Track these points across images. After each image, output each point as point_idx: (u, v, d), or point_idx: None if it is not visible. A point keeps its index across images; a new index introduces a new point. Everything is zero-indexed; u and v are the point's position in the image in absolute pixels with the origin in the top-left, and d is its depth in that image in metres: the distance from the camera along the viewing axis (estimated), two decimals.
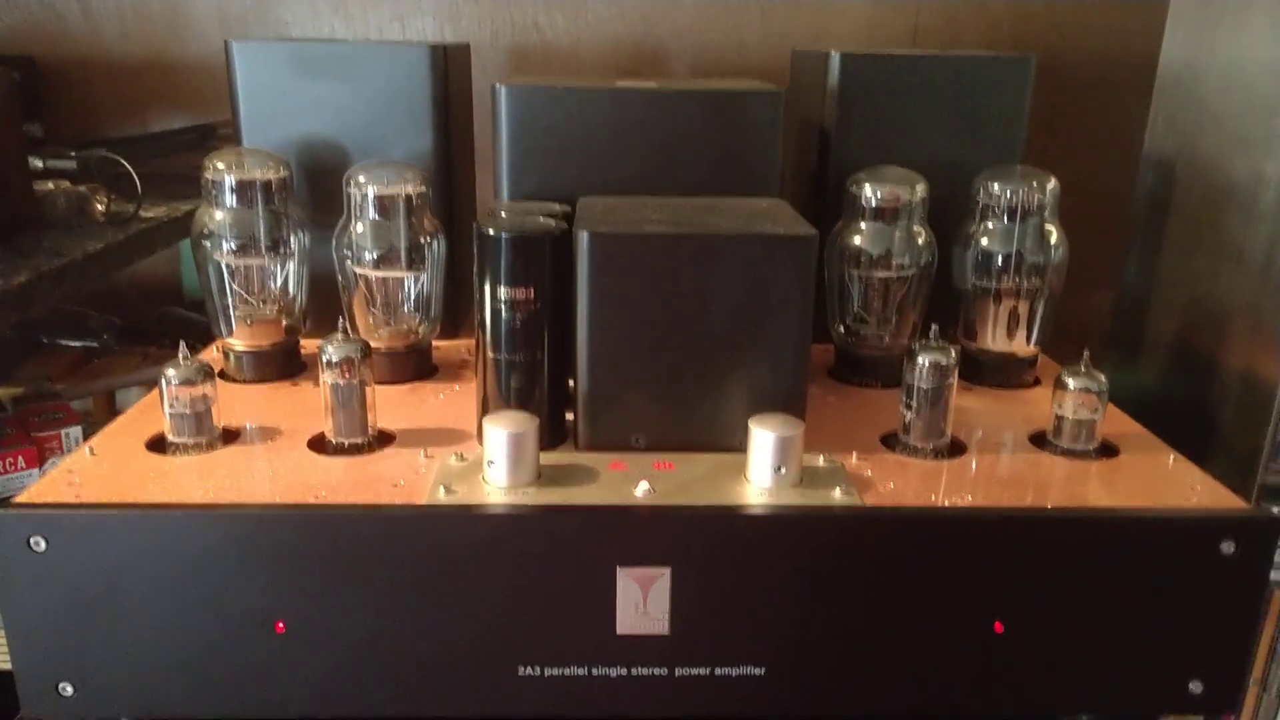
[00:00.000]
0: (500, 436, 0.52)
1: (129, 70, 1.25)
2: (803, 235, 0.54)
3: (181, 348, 0.57)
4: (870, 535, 0.50)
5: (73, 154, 1.16)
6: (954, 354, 0.57)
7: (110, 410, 1.02)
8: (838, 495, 0.52)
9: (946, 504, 0.52)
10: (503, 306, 0.54)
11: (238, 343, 0.67)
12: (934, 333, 0.58)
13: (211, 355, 0.72)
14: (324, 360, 0.56)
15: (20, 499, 0.51)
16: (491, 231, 0.54)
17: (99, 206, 1.00)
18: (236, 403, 0.64)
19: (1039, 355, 0.71)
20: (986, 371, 0.69)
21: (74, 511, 0.49)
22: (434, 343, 0.71)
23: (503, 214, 0.59)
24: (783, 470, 0.52)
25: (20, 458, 0.80)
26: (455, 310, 0.77)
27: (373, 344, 0.67)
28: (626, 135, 0.65)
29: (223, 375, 0.69)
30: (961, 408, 0.61)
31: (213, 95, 1.24)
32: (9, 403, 0.88)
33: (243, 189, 0.64)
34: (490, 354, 0.56)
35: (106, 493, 0.51)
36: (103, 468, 0.54)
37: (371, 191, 0.64)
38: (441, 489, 0.51)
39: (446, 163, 0.73)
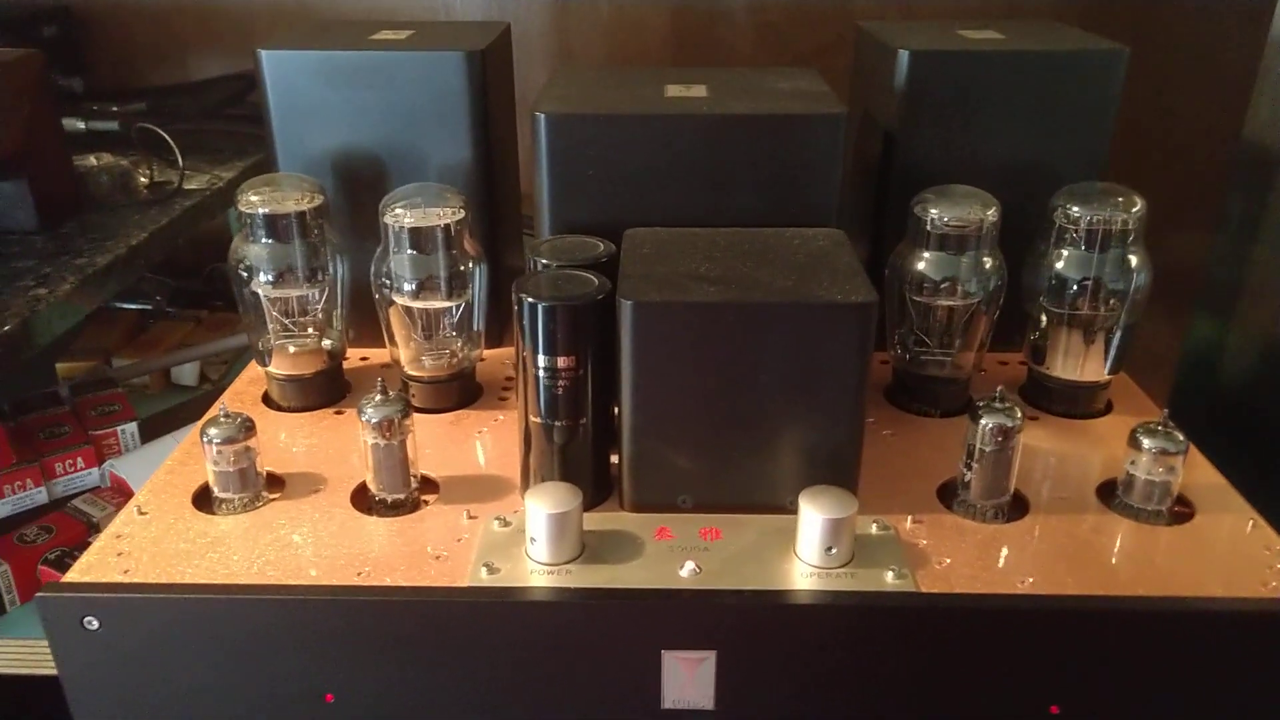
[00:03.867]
0: (542, 515, 0.50)
1: (167, 15, 1.21)
2: (860, 303, 0.50)
3: (221, 406, 0.57)
4: (921, 624, 0.49)
5: (115, 109, 1.15)
6: (1019, 416, 0.54)
7: (165, 383, 1.04)
8: (890, 580, 0.50)
9: (1003, 590, 0.50)
10: (543, 374, 0.52)
11: (279, 370, 0.66)
12: (1000, 392, 0.55)
13: (254, 373, 0.71)
14: (363, 419, 0.55)
15: (73, 574, 0.51)
16: (531, 300, 0.51)
17: (142, 180, 0.99)
18: (281, 435, 0.64)
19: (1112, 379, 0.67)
20: (1055, 399, 0.66)
21: (124, 594, 0.50)
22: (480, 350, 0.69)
23: (542, 263, 0.57)
24: (833, 551, 0.50)
25: (80, 459, 0.81)
26: (499, 319, 0.75)
27: (415, 372, 0.66)
28: (674, 162, 0.60)
29: (266, 400, 0.68)
30: (1026, 445, 0.58)
31: (253, 38, 1.20)
32: (66, 390, 0.89)
33: (277, 222, 0.62)
34: (532, 418, 0.54)
35: (156, 565, 0.52)
36: (151, 531, 0.55)
37: (408, 223, 0.61)
38: (484, 569, 0.51)
39: (487, 168, 0.69)
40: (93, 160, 1.01)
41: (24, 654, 0.73)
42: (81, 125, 1.09)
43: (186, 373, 1.03)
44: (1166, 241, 1.11)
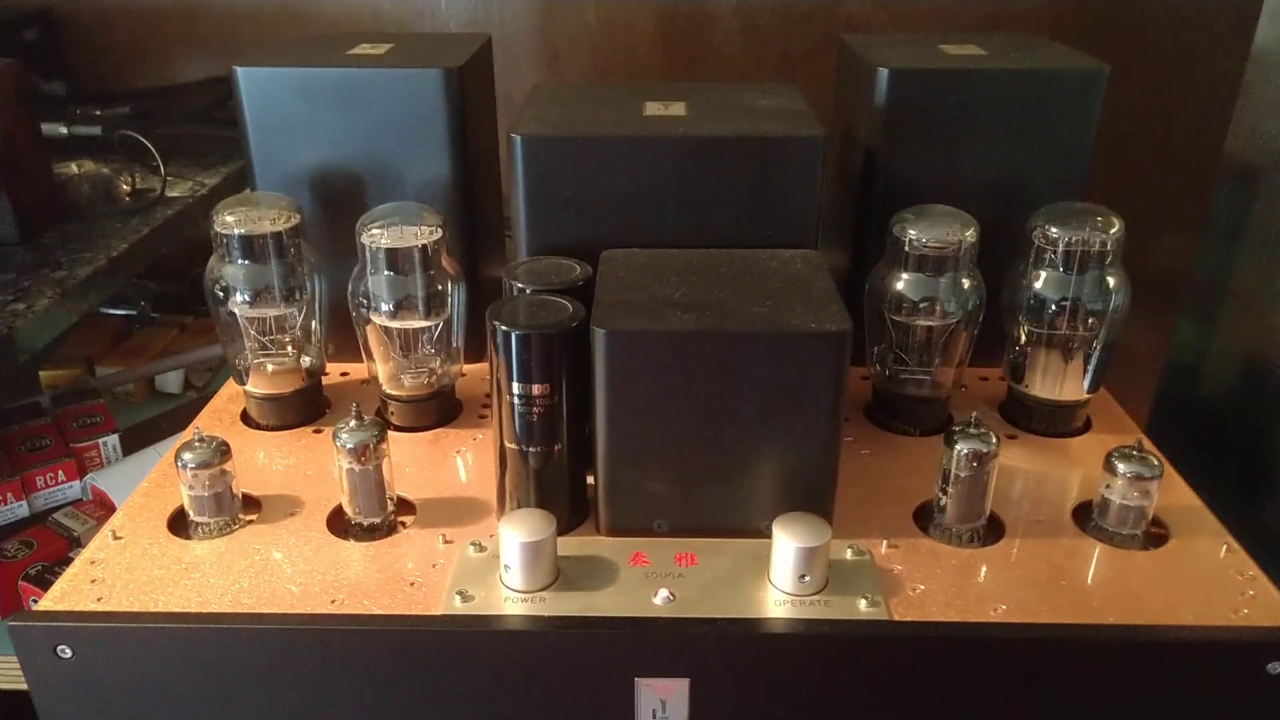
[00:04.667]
0: (516, 543, 0.50)
1: (149, 17, 1.20)
2: (833, 332, 0.50)
3: (196, 430, 0.56)
4: (893, 653, 0.49)
5: (98, 113, 1.14)
6: (995, 442, 0.54)
7: (149, 391, 1.03)
8: (863, 608, 0.50)
9: (975, 618, 0.50)
10: (518, 400, 0.52)
11: (257, 389, 0.66)
12: (975, 417, 0.55)
13: (233, 390, 0.71)
14: (338, 444, 0.55)
15: (46, 602, 0.51)
16: (505, 328, 0.51)
17: (124, 187, 0.99)
18: (259, 455, 0.64)
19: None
20: (1034, 417, 0.66)
21: (96, 624, 0.49)
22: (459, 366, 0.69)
23: (518, 286, 0.57)
24: (806, 578, 0.51)
25: (60, 471, 0.81)
26: (479, 334, 0.75)
27: (393, 391, 0.66)
28: (652, 184, 0.60)
29: (244, 418, 0.68)
30: (1003, 465, 0.58)
31: (236, 39, 1.19)
32: (48, 401, 0.89)
33: (253, 243, 0.61)
34: (508, 443, 0.54)
35: (130, 592, 0.52)
36: (125, 557, 0.54)
37: (384, 244, 0.61)
38: (458, 596, 0.51)
39: (466, 184, 0.69)
40: (74, 168, 1.00)
41: (5, 670, 0.73)
42: (64, 130, 1.09)
43: (170, 380, 1.02)
44: (1151, 245, 1.11)
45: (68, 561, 0.76)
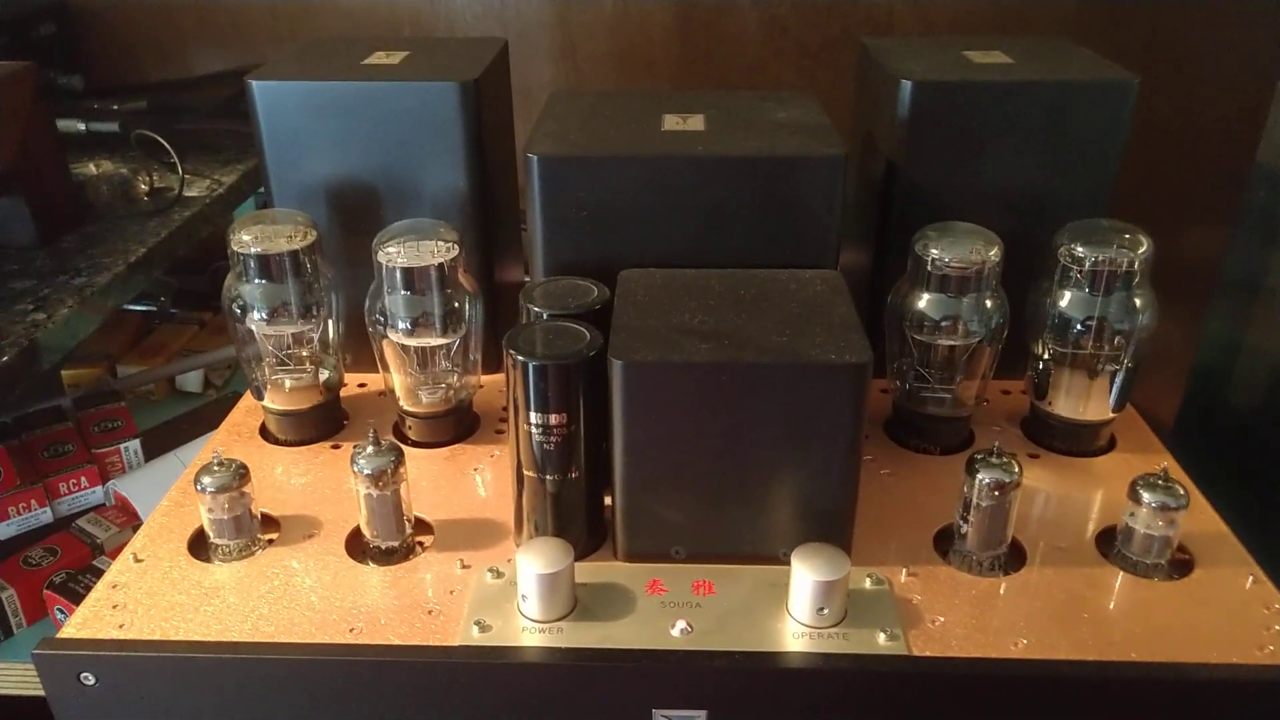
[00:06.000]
0: (533, 574, 0.50)
1: (165, 9, 1.20)
2: (853, 364, 0.49)
3: (215, 454, 0.57)
4: (912, 688, 0.49)
5: (115, 108, 1.14)
6: (1017, 471, 0.53)
7: (170, 389, 1.04)
8: (882, 641, 0.50)
9: (995, 653, 0.49)
10: (535, 430, 0.52)
11: (275, 405, 0.66)
12: (997, 448, 0.54)
13: (252, 402, 0.71)
14: (355, 469, 0.55)
15: (69, 629, 0.52)
16: (523, 358, 0.50)
17: (142, 187, 0.99)
18: (277, 470, 0.64)
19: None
20: (1056, 435, 0.65)
21: (119, 653, 0.50)
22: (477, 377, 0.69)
23: (534, 310, 0.56)
24: (825, 611, 0.50)
25: (83, 477, 0.82)
26: (498, 344, 0.74)
27: (410, 407, 0.66)
28: (670, 203, 0.59)
29: (263, 431, 0.68)
30: (1026, 486, 0.57)
31: (253, 30, 1.18)
32: (69, 403, 0.90)
33: (269, 262, 0.61)
34: (525, 470, 0.54)
35: (151, 619, 0.52)
36: (147, 581, 0.55)
37: (400, 263, 0.60)
38: (475, 627, 0.51)
39: (483, 194, 0.68)
40: (92, 168, 1.00)
41: (30, 676, 0.74)
42: (82, 127, 1.08)
43: (191, 379, 1.03)
44: (1182, 237, 1.09)
45: (91, 569, 0.77)
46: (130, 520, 0.80)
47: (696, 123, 0.64)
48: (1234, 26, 1.05)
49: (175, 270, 1.19)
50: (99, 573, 0.76)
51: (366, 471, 0.55)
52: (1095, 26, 1.07)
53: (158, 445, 0.88)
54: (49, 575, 0.75)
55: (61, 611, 0.74)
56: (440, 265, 0.61)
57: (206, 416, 0.97)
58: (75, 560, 0.77)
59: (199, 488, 0.56)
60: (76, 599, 0.73)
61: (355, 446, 0.56)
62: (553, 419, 0.51)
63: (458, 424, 0.67)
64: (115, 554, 0.78)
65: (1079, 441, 0.65)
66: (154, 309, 1.15)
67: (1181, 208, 1.10)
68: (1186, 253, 1.08)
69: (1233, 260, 0.91)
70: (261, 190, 0.99)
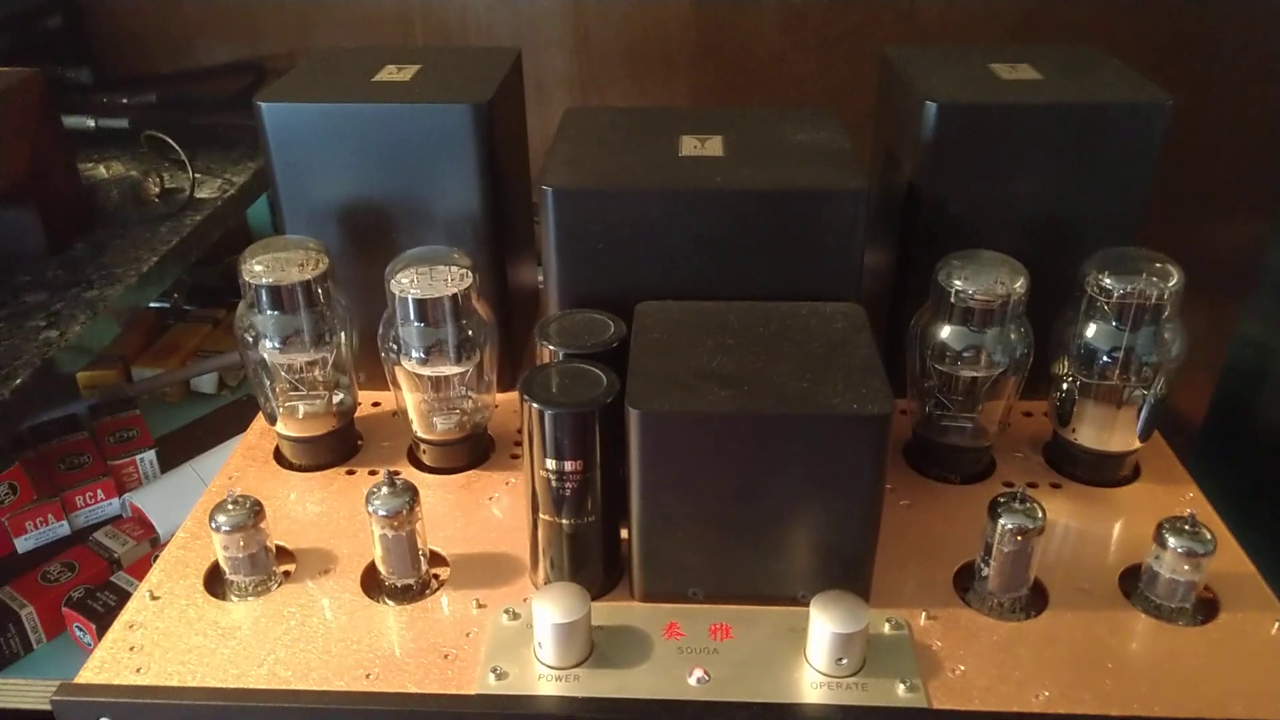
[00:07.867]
0: (550, 623, 0.50)
1: (173, 0, 1.18)
2: (876, 415, 0.48)
3: (230, 493, 0.56)
4: None
5: (124, 101, 1.13)
6: (1041, 515, 0.52)
7: (185, 391, 1.04)
8: (901, 693, 0.49)
9: (1016, 706, 0.49)
10: (551, 475, 0.51)
11: (289, 431, 0.65)
12: (1021, 492, 0.53)
13: (263, 425, 0.70)
14: (370, 510, 0.55)
15: (87, 673, 0.52)
16: (538, 405, 0.50)
17: (153, 189, 0.98)
18: (291, 496, 0.64)
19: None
20: (1080, 465, 0.64)
21: (136, 699, 0.50)
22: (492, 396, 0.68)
23: (550, 348, 0.55)
24: (844, 661, 0.50)
25: (100, 490, 0.82)
26: (513, 364, 0.74)
27: (425, 435, 0.65)
28: (687, 235, 0.58)
29: (277, 455, 0.68)
30: (1048, 519, 0.56)
31: (261, 21, 1.17)
32: (85, 410, 0.90)
33: (281, 292, 0.60)
34: (541, 514, 0.53)
35: (168, 662, 0.52)
36: (163, 621, 0.55)
37: (414, 295, 0.59)
38: (492, 674, 0.51)
39: (497, 213, 0.67)
40: (102, 170, 0.99)
41: (49, 692, 0.75)
42: (90, 124, 1.07)
43: (205, 381, 1.03)
44: (1216, 232, 1.07)
45: (109, 585, 0.77)
46: (147, 534, 0.80)
47: (715, 146, 0.62)
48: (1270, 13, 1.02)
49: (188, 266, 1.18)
50: (116, 588, 0.76)
51: (382, 513, 0.54)
52: (1121, 14, 1.04)
53: (173, 453, 0.88)
54: (67, 591, 0.76)
55: (80, 629, 0.74)
56: (454, 295, 0.60)
57: (221, 421, 0.97)
58: (93, 575, 0.77)
59: (213, 526, 0.56)
60: (94, 616, 0.74)
61: (369, 490, 0.55)
62: (568, 465, 0.51)
63: (473, 450, 0.66)
64: (133, 569, 0.79)
65: (1103, 471, 0.64)
66: (167, 305, 1.14)
67: (1213, 205, 1.07)
68: (1219, 251, 1.06)
69: (1273, 257, 0.89)
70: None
